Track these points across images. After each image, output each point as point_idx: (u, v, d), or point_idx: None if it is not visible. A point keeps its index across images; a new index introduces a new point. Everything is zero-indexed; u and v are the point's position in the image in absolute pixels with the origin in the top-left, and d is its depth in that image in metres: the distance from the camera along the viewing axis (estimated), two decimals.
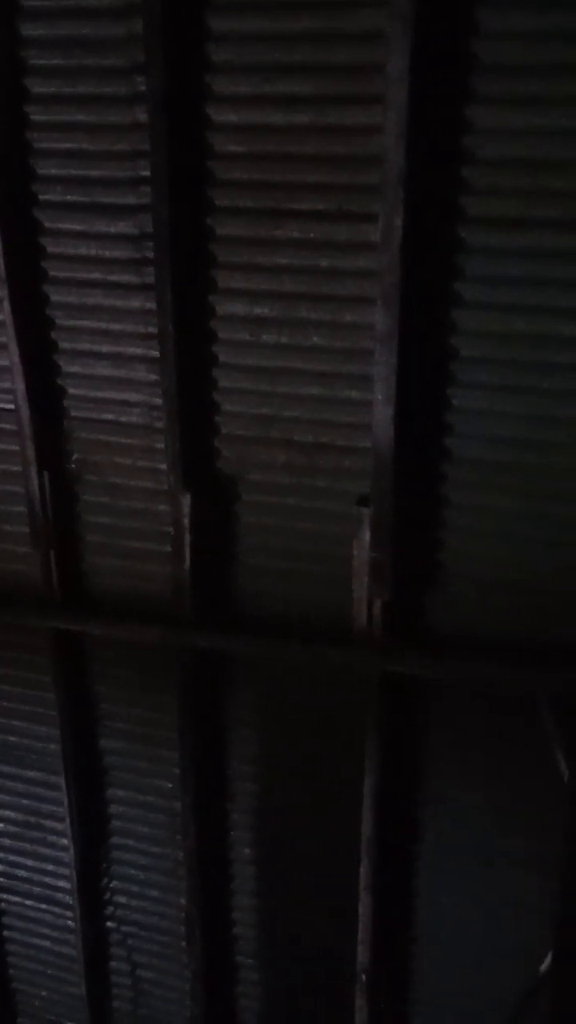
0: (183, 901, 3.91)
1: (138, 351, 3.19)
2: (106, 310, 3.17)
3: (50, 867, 4.15)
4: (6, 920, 4.35)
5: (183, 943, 3.99)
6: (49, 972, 4.38)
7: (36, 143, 3.02)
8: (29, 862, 4.18)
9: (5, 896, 4.30)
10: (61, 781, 3.90)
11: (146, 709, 3.70)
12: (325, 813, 3.58)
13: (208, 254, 2.98)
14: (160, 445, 3.28)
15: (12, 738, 3.97)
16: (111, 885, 4.09)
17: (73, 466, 3.46)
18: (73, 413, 3.38)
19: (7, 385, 3.34)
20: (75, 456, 3.44)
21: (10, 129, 3.00)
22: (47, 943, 4.32)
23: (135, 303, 3.12)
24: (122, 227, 3.04)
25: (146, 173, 2.91)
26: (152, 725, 3.72)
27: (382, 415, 2.92)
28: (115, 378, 3.26)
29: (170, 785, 3.77)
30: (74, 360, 3.29)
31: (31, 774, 4.01)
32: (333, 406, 3.05)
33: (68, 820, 3.95)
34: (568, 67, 2.49)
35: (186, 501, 3.28)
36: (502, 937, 3.49)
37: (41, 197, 3.08)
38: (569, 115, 2.53)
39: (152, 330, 3.11)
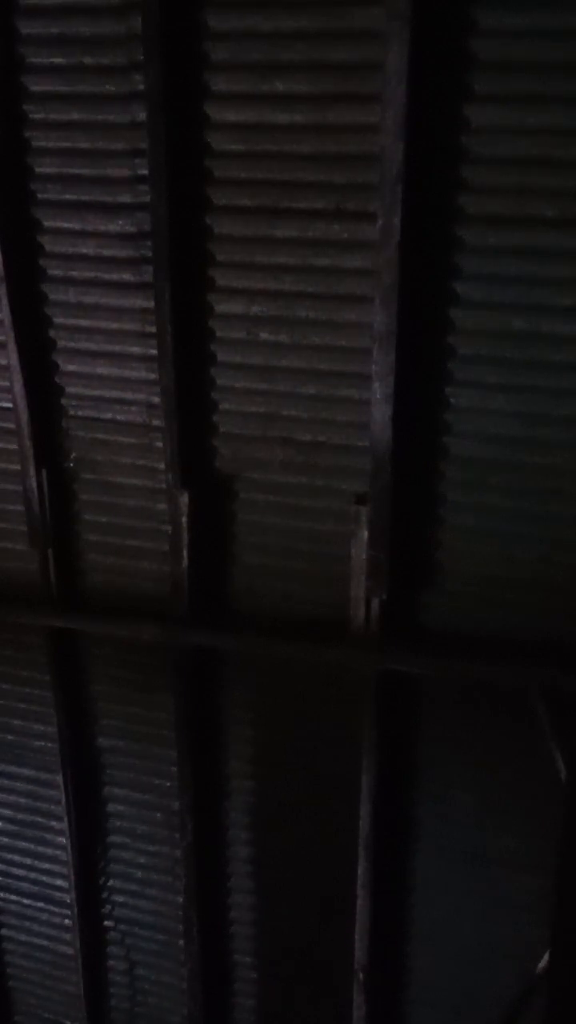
0: (180, 899, 3.92)
1: (136, 349, 3.19)
2: (104, 308, 3.17)
3: (47, 865, 4.15)
4: (3, 918, 4.34)
5: (180, 941, 4.00)
6: (46, 970, 4.38)
7: (34, 141, 3.02)
8: (27, 860, 4.18)
9: (2, 894, 4.29)
10: (59, 779, 3.90)
11: (143, 707, 3.71)
12: (322, 811, 3.58)
13: (206, 253, 2.98)
14: (158, 443, 3.28)
15: (9, 736, 3.97)
16: (109, 883, 4.08)
17: (71, 464, 3.46)
18: (71, 411, 3.38)
19: (5, 383, 3.34)
20: (73, 454, 3.44)
21: (8, 127, 3.00)
22: (44, 941, 4.32)
23: (133, 301, 3.12)
24: (120, 225, 3.04)
25: (144, 171, 2.91)
26: (149, 723, 3.72)
27: (380, 414, 2.93)
28: (113, 376, 3.26)
29: (168, 783, 3.77)
30: (72, 358, 3.29)
31: (28, 772, 4.01)
32: (331, 405, 3.06)
33: (66, 818, 3.95)
34: (565, 66, 2.50)
35: (184, 499, 3.28)
36: (498, 935, 3.49)
37: (39, 195, 3.08)
38: (566, 114, 2.54)
39: (150, 328, 3.11)
